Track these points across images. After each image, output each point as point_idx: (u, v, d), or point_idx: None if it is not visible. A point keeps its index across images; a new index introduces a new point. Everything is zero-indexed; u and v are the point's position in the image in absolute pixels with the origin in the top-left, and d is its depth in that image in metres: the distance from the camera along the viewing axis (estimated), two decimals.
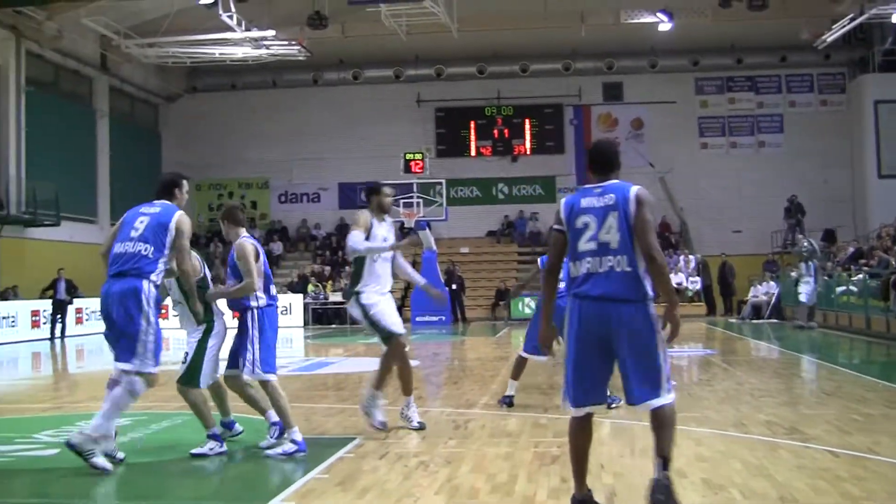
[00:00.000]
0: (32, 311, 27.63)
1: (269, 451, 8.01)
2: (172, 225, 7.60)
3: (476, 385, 13.41)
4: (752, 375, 14.52)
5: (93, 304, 27.75)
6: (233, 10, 28.58)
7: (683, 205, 38.61)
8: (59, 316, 27.65)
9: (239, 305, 8.27)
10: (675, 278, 33.45)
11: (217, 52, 33.70)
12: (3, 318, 26.28)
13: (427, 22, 30.83)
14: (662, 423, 5.57)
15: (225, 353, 8.38)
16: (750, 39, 37.63)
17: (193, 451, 8.02)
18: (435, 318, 31.90)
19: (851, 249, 29.23)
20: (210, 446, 8.01)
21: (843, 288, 25.25)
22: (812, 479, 6.75)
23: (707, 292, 35.39)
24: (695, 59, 39.19)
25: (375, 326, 8.79)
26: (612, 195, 5.70)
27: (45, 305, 27.81)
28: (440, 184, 34.91)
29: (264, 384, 8.19)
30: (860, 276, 24.35)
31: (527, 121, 40.34)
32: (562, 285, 10.90)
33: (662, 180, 37.35)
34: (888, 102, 37.04)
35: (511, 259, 38.39)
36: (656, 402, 5.57)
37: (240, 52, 33.88)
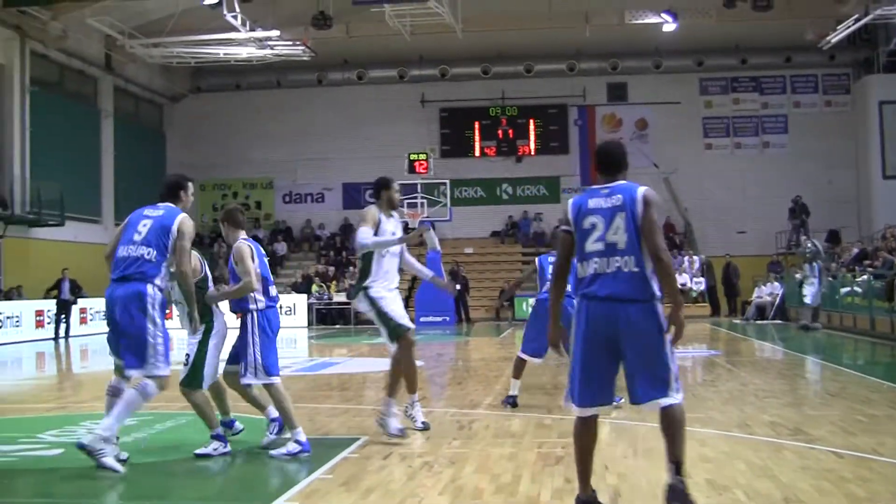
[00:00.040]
0: (37, 311, 27.67)
1: (273, 452, 8.01)
2: (174, 227, 7.59)
3: (480, 385, 13.40)
4: (757, 376, 14.51)
5: (97, 304, 27.81)
6: (237, 10, 28.60)
7: (688, 205, 38.61)
8: (63, 316, 27.66)
9: (240, 308, 8.29)
10: (680, 279, 33.40)
11: (221, 52, 33.71)
12: (8, 317, 26.32)
13: (431, 22, 30.82)
14: (672, 425, 5.58)
15: (225, 353, 8.39)
16: (754, 40, 37.61)
17: (197, 451, 8.02)
18: (439, 319, 31.88)
19: (856, 250, 29.21)
20: (214, 447, 8.01)
21: (848, 289, 25.21)
22: (816, 480, 6.74)
23: (711, 293, 35.36)
24: (699, 60, 39.17)
25: (383, 319, 8.61)
26: (619, 196, 5.72)
27: (50, 305, 27.82)
28: (444, 184, 34.92)
29: (267, 387, 8.20)
30: (864, 276, 24.32)
31: (531, 121, 40.34)
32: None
33: (667, 181, 37.33)
34: (893, 103, 37.03)
35: (515, 260, 38.35)
36: (665, 402, 5.58)
37: (244, 53, 33.88)
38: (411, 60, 39.03)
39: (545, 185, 40.33)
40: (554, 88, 39.80)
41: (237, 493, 7.35)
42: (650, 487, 6.64)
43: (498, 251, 39.49)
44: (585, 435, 5.73)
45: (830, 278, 27.16)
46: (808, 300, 26.27)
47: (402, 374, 8.82)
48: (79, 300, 28.32)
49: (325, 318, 34.49)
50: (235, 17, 28.76)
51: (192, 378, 8.06)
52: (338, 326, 33.12)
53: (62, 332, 27.55)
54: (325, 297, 35.06)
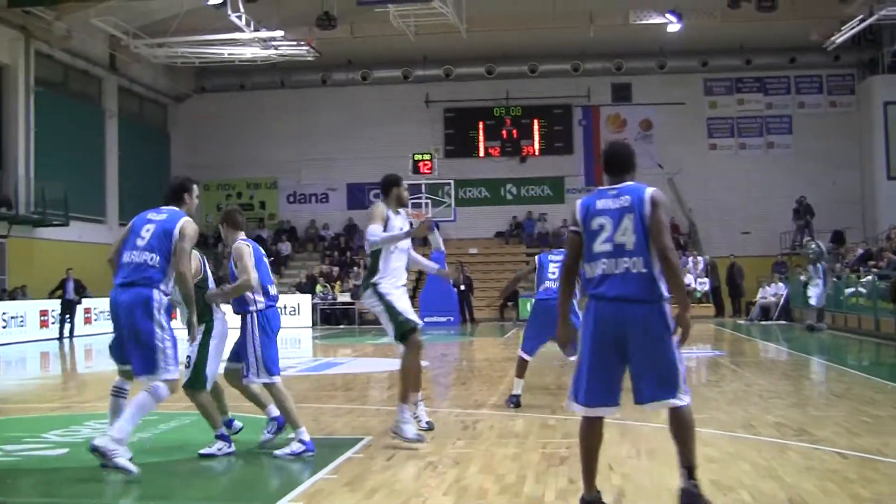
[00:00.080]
0: (41, 311, 27.69)
1: (277, 452, 8.00)
2: (177, 230, 7.56)
3: (484, 386, 13.42)
4: (761, 377, 14.50)
5: (101, 304, 27.83)
6: (241, 10, 28.61)
7: (692, 206, 38.52)
8: (67, 316, 27.71)
9: (240, 308, 8.31)
10: (684, 279, 33.33)
11: (226, 52, 33.75)
12: (12, 317, 26.35)
13: (436, 22, 30.82)
14: (681, 428, 5.62)
15: (226, 353, 8.40)
16: (759, 40, 37.58)
17: (202, 451, 8.03)
18: (443, 319, 31.88)
19: (860, 251, 29.16)
20: (218, 447, 8.01)
21: (852, 290, 25.16)
22: (821, 481, 6.73)
23: (715, 293, 35.32)
24: (704, 60, 39.16)
25: (391, 313, 8.48)
26: (627, 197, 5.73)
27: (54, 305, 27.86)
28: (449, 184, 34.93)
29: (268, 387, 8.22)
30: (869, 277, 24.28)
31: (535, 121, 40.29)
32: (553, 286, 11.02)
33: (671, 181, 37.25)
34: None
35: (519, 260, 38.19)
36: (673, 403, 5.60)
37: (248, 53, 33.91)
38: (415, 61, 39.04)
39: (549, 186, 40.32)
40: (558, 89, 39.78)
41: (241, 493, 7.35)
42: (654, 488, 6.65)
43: (502, 252, 39.45)
44: (591, 435, 5.74)
45: (835, 279, 27.12)
46: (813, 301, 26.24)
47: (416, 378, 8.71)
48: (83, 300, 28.36)
49: (330, 318, 34.51)
50: (240, 18, 28.77)
51: (195, 380, 8.06)
52: (342, 326, 33.14)
53: (67, 332, 27.61)
54: (330, 297, 35.08)
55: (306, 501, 6.50)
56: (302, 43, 33.38)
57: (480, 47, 36.61)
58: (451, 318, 32.29)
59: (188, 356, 8.10)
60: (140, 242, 7.54)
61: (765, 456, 7.71)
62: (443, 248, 28.85)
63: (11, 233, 29.63)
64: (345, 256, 38.40)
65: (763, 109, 39.83)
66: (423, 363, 10.09)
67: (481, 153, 40.51)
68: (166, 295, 7.53)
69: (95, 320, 29.24)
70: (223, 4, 27.92)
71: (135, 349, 7.40)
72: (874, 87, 37.66)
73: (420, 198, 33.03)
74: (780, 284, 31.55)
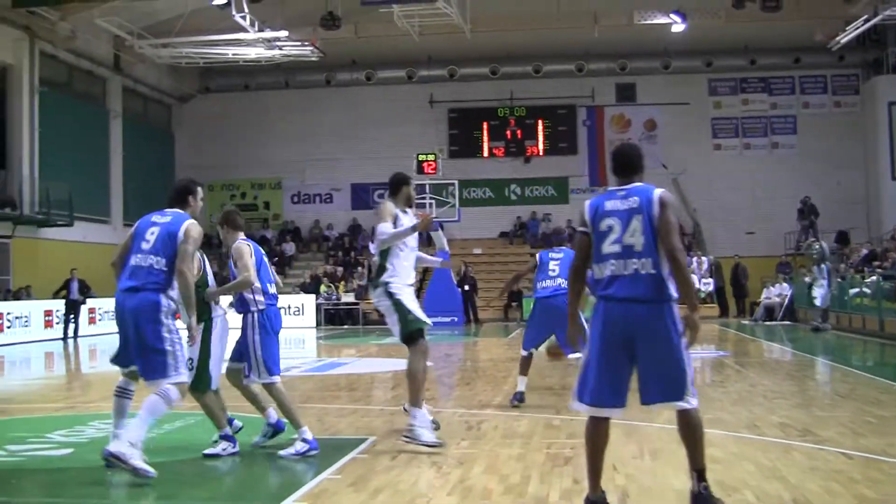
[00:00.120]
0: (45, 311, 27.72)
1: (282, 452, 8.00)
2: (181, 233, 7.54)
3: (488, 386, 13.41)
4: (766, 377, 14.48)
5: (106, 305, 27.82)
6: (246, 10, 28.64)
7: (696, 206, 38.50)
8: (72, 316, 27.73)
9: (241, 308, 8.32)
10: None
11: (230, 52, 33.76)
12: (17, 317, 26.37)
13: (440, 23, 30.83)
14: (690, 431, 5.65)
15: (228, 352, 8.39)
16: (763, 40, 37.56)
17: (206, 451, 8.04)
18: (447, 319, 31.86)
19: (865, 251, 29.15)
20: (223, 447, 8.02)
21: (857, 290, 25.15)
22: (826, 482, 6.72)
23: (720, 294, 35.31)
24: (708, 61, 39.14)
25: (400, 311, 8.43)
26: (635, 198, 5.74)
27: (59, 305, 27.87)
28: (453, 185, 34.88)
29: (268, 387, 8.22)
30: (873, 277, 24.26)
31: (539, 122, 40.28)
32: (554, 284, 11.05)
33: (675, 182, 37.22)
34: None
35: (523, 260, 37.95)
36: (680, 406, 5.61)
37: (253, 53, 33.92)
38: (420, 61, 39.05)
39: (553, 186, 40.30)
40: (562, 89, 39.76)
41: (245, 493, 7.35)
42: (658, 488, 6.64)
43: (506, 252, 39.43)
44: (597, 436, 5.74)
45: (839, 279, 27.10)
46: (817, 302, 26.20)
47: (422, 383, 8.58)
48: (87, 300, 28.36)
49: (334, 318, 34.52)
50: (244, 18, 28.81)
51: (199, 381, 8.02)
52: (346, 327, 33.14)
53: (71, 332, 27.62)
54: (334, 297, 35.09)
55: (311, 501, 6.50)
56: (306, 43, 33.40)
57: (484, 47, 36.61)
58: (455, 319, 32.27)
59: (190, 358, 8.08)
60: (145, 246, 7.51)
61: (769, 456, 7.69)
62: (447, 247, 28.85)
63: (16, 233, 29.65)
64: (349, 257, 38.42)
65: (767, 109, 39.80)
66: (427, 363, 10.06)
67: (485, 153, 40.51)
68: (173, 300, 7.52)
69: (100, 320, 29.26)
70: (227, 5, 27.93)
71: (143, 354, 7.36)
72: (879, 87, 37.60)
73: (424, 198, 33.00)
74: (785, 285, 31.52)
